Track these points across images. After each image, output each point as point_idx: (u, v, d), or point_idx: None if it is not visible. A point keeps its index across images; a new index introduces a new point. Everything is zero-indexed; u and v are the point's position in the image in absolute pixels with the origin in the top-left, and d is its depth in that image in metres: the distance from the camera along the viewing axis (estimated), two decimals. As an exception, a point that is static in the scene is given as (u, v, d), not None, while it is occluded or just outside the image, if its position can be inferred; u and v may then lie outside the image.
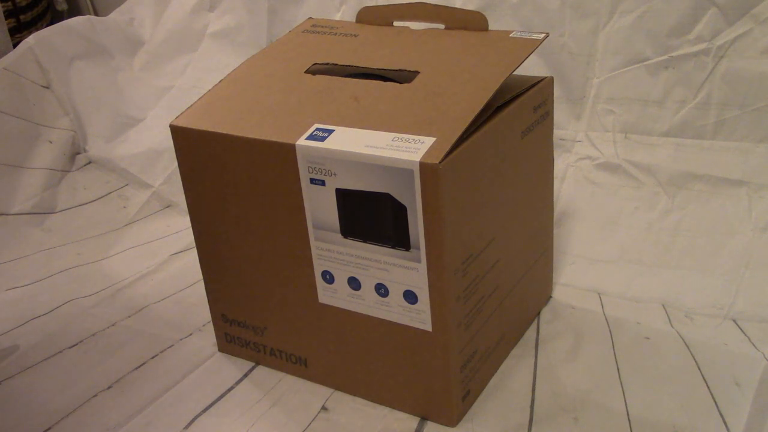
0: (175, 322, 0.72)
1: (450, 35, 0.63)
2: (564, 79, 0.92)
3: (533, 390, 0.60)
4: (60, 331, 0.71)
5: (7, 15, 1.45)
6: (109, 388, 0.63)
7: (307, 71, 0.61)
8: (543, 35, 0.60)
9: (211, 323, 0.67)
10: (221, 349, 0.67)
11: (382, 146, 0.50)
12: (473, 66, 0.58)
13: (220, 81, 0.63)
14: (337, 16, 1.09)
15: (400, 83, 0.57)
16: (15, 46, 1.10)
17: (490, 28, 0.62)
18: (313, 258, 0.56)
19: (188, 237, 0.88)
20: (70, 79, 1.09)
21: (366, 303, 0.55)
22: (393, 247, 0.51)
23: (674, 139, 0.86)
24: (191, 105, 0.60)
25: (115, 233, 0.94)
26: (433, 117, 0.53)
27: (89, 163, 1.06)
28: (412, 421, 0.57)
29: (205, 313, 0.68)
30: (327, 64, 0.61)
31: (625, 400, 0.58)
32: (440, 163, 0.47)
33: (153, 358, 0.67)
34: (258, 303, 0.62)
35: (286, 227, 0.56)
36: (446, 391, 0.55)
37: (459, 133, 0.50)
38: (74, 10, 1.60)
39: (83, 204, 1.00)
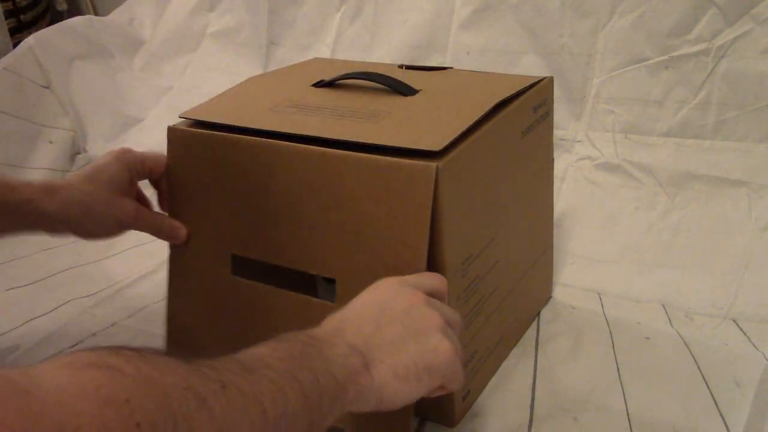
0: (175, 322, 0.72)
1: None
2: (564, 79, 0.92)
3: (533, 390, 0.60)
4: (60, 331, 0.71)
5: (7, 15, 1.45)
6: (109, 388, 0.63)
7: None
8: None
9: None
10: None
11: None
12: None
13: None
14: (337, 17, 1.09)
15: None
16: (15, 46, 1.10)
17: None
18: (313, 258, 0.56)
19: (188, 237, 0.88)
20: (70, 79, 1.09)
21: (366, 303, 0.55)
22: (393, 247, 0.51)
23: (674, 139, 0.86)
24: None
25: (115, 233, 0.94)
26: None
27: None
28: (412, 421, 0.57)
29: (205, 313, 0.68)
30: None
31: (625, 400, 0.58)
32: (440, 163, 0.47)
33: (153, 358, 0.67)
34: None
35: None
36: (446, 391, 0.55)
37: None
38: (74, 10, 1.60)
39: (83, 204, 0.99)
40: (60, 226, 0.56)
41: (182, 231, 0.58)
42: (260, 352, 0.37)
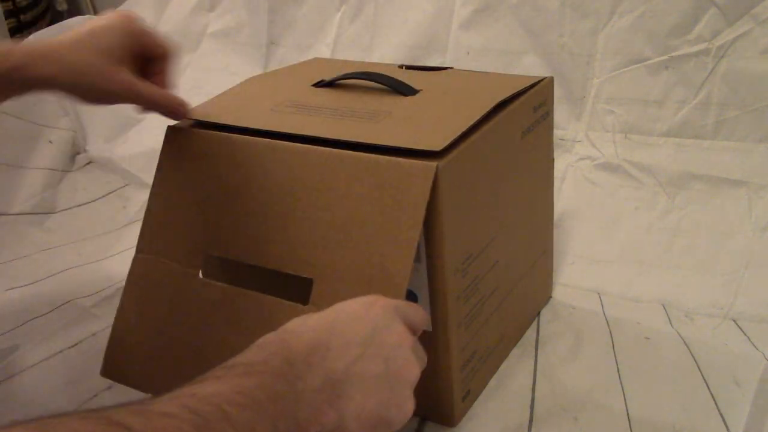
0: (175, 322, 0.72)
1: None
2: (564, 79, 0.92)
3: (533, 390, 0.60)
4: (60, 331, 0.71)
5: (7, 15, 1.45)
6: (109, 388, 0.63)
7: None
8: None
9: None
10: None
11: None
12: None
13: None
14: (337, 17, 1.09)
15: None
16: (15, 46, 1.10)
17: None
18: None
19: (188, 237, 0.88)
20: (70, 79, 1.09)
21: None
22: (393, 247, 0.51)
23: (674, 139, 0.86)
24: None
25: (115, 233, 0.94)
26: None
27: (89, 163, 1.06)
28: (412, 421, 0.57)
29: (205, 313, 0.68)
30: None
31: (625, 400, 0.58)
32: (440, 163, 0.47)
33: (153, 358, 0.67)
34: None
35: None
36: (446, 391, 0.55)
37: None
38: (74, 10, 1.60)
39: (83, 204, 0.99)
40: (53, 89, 0.54)
41: (182, 108, 0.56)
42: (220, 392, 0.33)
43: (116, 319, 0.60)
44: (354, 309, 0.43)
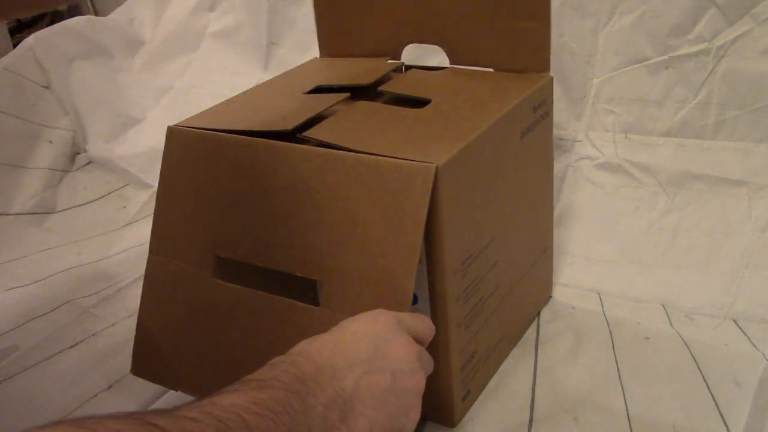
0: (175, 322, 0.72)
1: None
2: (564, 79, 0.92)
3: (533, 390, 0.60)
4: (60, 331, 0.71)
5: (7, 15, 1.45)
6: (110, 388, 0.63)
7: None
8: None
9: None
10: None
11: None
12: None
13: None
14: (337, 16, 1.09)
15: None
16: (15, 46, 1.10)
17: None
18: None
19: (188, 237, 0.88)
20: (70, 79, 1.09)
21: (366, 303, 0.55)
22: (393, 247, 0.51)
23: (674, 139, 0.86)
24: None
25: (115, 233, 0.94)
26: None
27: (89, 163, 1.06)
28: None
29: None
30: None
31: (625, 400, 0.58)
32: (440, 163, 0.47)
33: (153, 358, 0.67)
34: None
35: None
36: (446, 391, 0.55)
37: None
38: (74, 10, 1.60)
39: (83, 204, 1.00)
40: None
41: None
42: (238, 403, 0.35)
43: (138, 319, 0.60)
44: (357, 327, 0.44)
